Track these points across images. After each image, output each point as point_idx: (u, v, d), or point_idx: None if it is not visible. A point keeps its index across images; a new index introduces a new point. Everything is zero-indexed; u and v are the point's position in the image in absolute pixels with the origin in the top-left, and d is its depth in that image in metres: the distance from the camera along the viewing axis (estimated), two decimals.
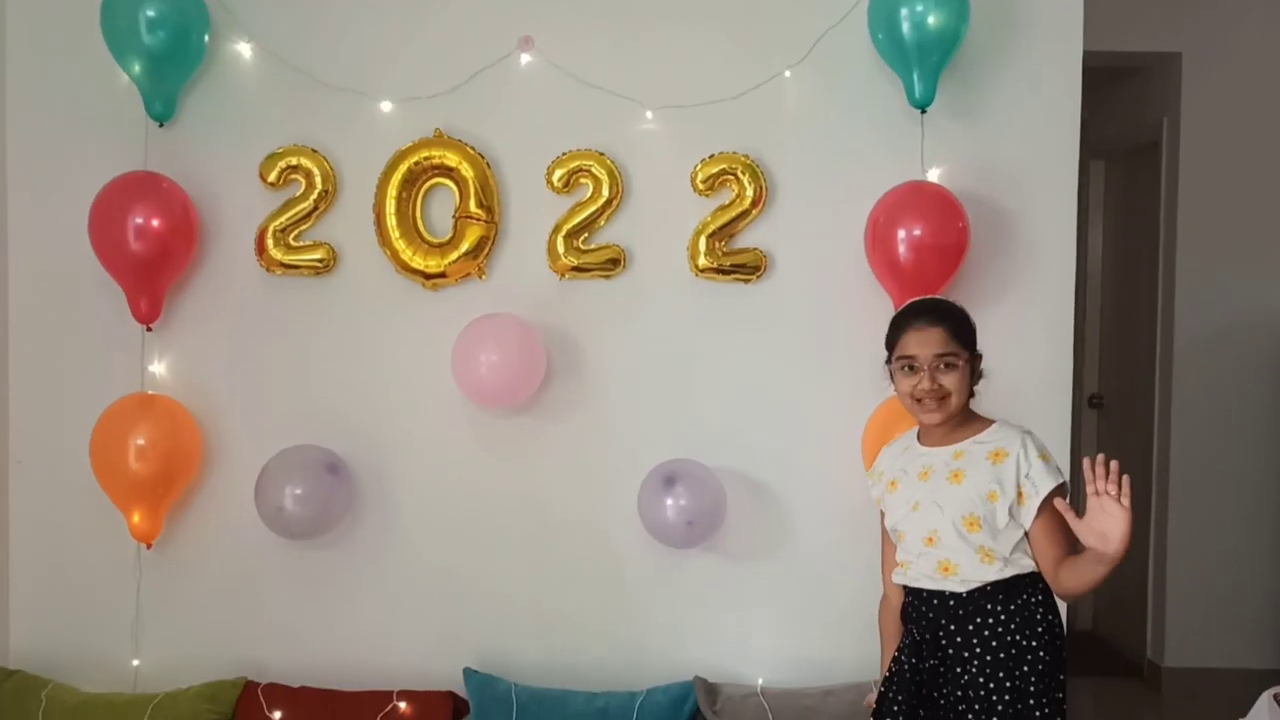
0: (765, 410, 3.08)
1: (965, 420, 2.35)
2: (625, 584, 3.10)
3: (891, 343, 2.39)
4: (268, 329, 3.09)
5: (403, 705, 2.95)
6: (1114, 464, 2.08)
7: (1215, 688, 4.59)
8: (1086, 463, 2.10)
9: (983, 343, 2.40)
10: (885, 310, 2.95)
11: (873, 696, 2.50)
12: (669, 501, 2.91)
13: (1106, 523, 2.07)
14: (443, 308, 3.04)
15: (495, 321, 2.96)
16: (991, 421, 2.36)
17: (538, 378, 2.99)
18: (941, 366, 2.31)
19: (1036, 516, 2.25)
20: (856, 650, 3.05)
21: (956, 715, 2.28)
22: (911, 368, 2.33)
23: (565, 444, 3.08)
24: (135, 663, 3.06)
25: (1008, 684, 2.24)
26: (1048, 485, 2.25)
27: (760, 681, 3.01)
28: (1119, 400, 5.36)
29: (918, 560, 2.34)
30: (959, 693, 2.28)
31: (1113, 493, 2.06)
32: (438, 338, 3.00)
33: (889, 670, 2.40)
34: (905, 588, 2.39)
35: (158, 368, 3.05)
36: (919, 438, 2.42)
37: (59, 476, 3.05)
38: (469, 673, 3.02)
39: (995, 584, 2.26)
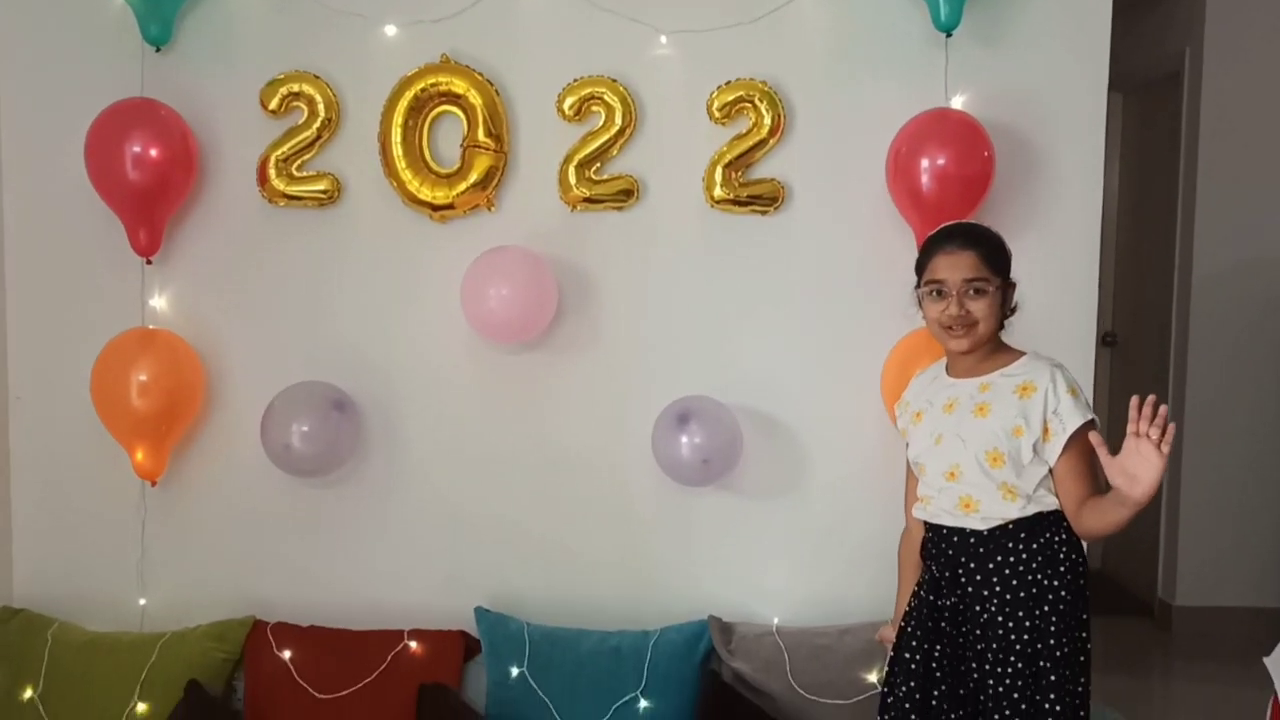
0: (782, 346, 3.01)
1: (994, 351, 2.28)
2: (639, 522, 3.05)
3: (921, 267, 2.31)
4: (271, 262, 3.00)
5: (414, 644, 2.91)
6: (1162, 409, 2.00)
7: (1225, 626, 4.60)
8: (1134, 401, 2.02)
9: None
10: (906, 243, 2.89)
11: (887, 631, 2.46)
12: (683, 439, 2.85)
13: (1139, 465, 2.01)
14: (451, 240, 2.96)
15: (505, 254, 2.88)
16: (1022, 354, 2.29)
17: (549, 312, 2.92)
18: (971, 292, 2.23)
19: (1062, 453, 2.19)
20: (873, 589, 3.01)
21: (975, 654, 2.24)
22: (940, 293, 2.25)
23: (577, 380, 3.02)
24: (141, 602, 3.02)
25: (1027, 623, 2.19)
26: (1075, 422, 2.18)
27: (776, 620, 2.97)
28: (1132, 339, 5.30)
29: (939, 495, 2.29)
30: (977, 631, 2.24)
31: (1154, 437, 1.99)
32: (446, 271, 2.93)
33: (908, 606, 2.35)
34: (925, 523, 2.34)
35: (158, 302, 2.97)
36: (947, 368, 2.36)
37: (60, 413, 2.99)
38: (480, 612, 2.98)
39: (1017, 522, 2.21)
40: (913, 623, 2.30)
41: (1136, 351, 5.25)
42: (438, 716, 2.78)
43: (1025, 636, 2.19)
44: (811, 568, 3.05)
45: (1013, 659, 2.19)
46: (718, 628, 2.93)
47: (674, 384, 2.96)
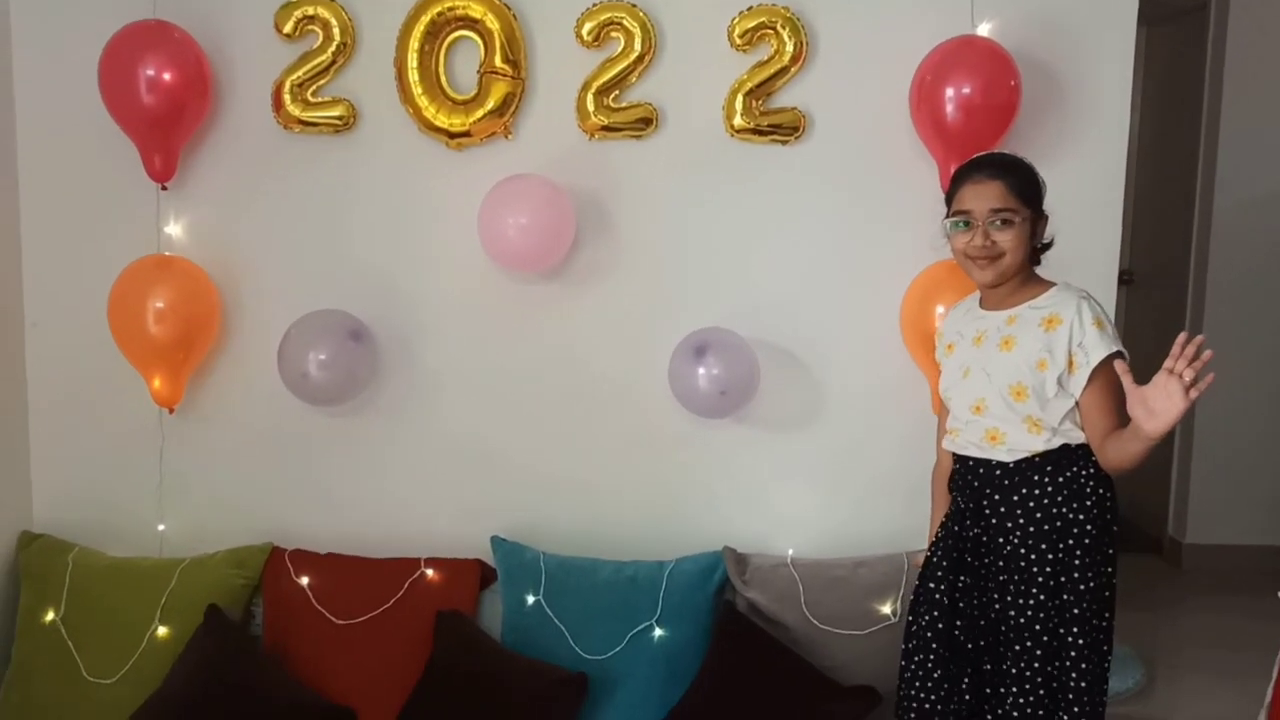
0: (801, 278, 2.99)
1: (1024, 283, 2.26)
2: (655, 454, 3.05)
3: (949, 197, 2.28)
4: (286, 189, 2.98)
5: (430, 572, 2.93)
6: (1206, 354, 1.97)
7: (1235, 564, 4.61)
8: (1181, 338, 1.98)
9: None
10: (930, 174, 2.85)
11: (919, 558, 2.47)
12: (701, 371, 2.84)
13: (1162, 402, 1.98)
14: (467, 168, 2.93)
15: (522, 183, 2.84)
16: (1051, 285, 2.26)
17: (566, 242, 2.89)
18: (997, 223, 2.20)
19: (1086, 386, 2.17)
20: (889, 522, 3.03)
21: (998, 585, 2.25)
22: (966, 223, 2.22)
23: (594, 311, 3.00)
24: (160, 528, 3.03)
25: (1050, 556, 2.19)
26: (1100, 354, 2.15)
27: (791, 552, 2.98)
28: (1149, 277, 5.25)
29: (965, 428, 2.28)
30: (1000, 562, 2.24)
31: (1187, 378, 1.96)
32: (462, 200, 2.90)
33: (935, 536, 2.35)
34: (954, 455, 2.34)
35: (174, 229, 2.95)
36: (980, 300, 2.33)
37: (77, 340, 2.98)
38: (496, 541, 2.99)
39: (1043, 455, 2.20)
40: (938, 553, 2.31)
41: (1153, 290, 5.20)
42: (454, 643, 2.81)
43: (1048, 569, 2.19)
44: (827, 500, 3.06)
45: (1034, 591, 2.19)
46: (733, 559, 2.95)
47: (692, 315, 2.94)
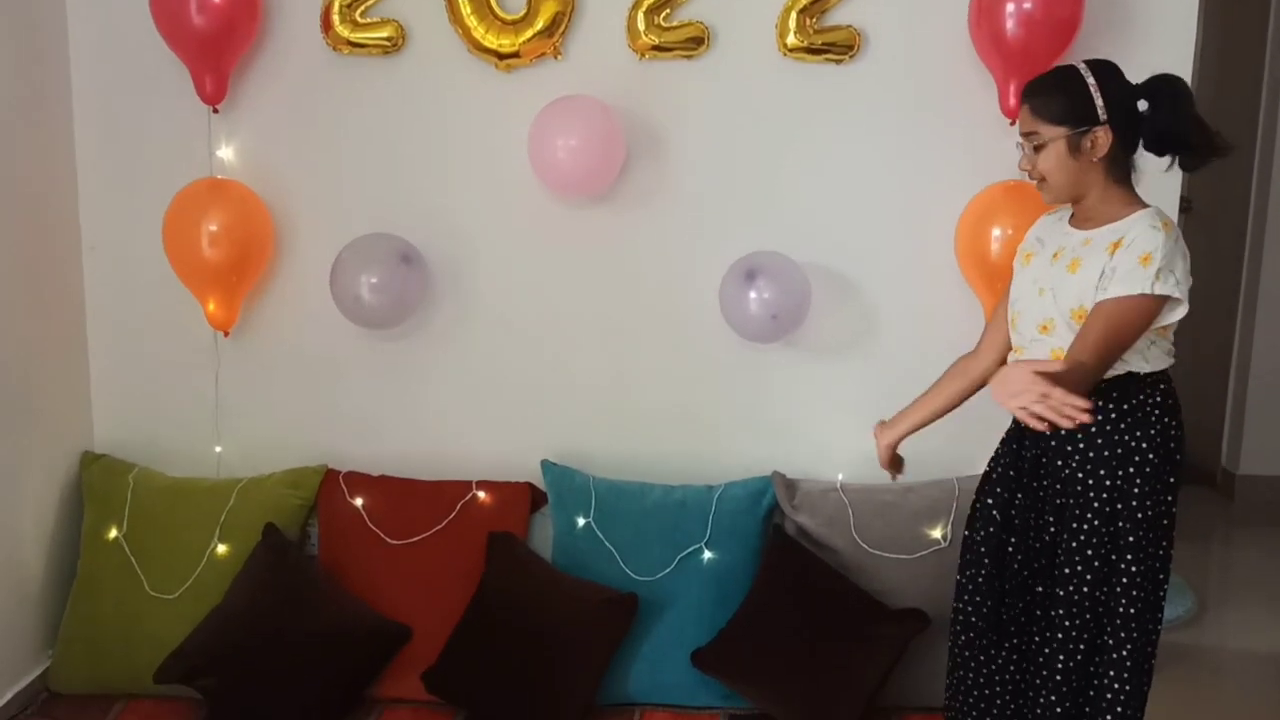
0: (854, 201, 2.94)
1: (1108, 203, 2.16)
2: (705, 379, 3.04)
3: None
4: (336, 112, 2.97)
5: (482, 495, 2.96)
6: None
7: None
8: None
9: None
10: (988, 93, 2.79)
11: (877, 429, 2.50)
12: (752, 295, 2.82)
13: (1009, 385, 1.91)
14: (517, 90, 2.90)
15: (572, 104, 2.82)
16: (1140, 209, 2.15)
17: (617, 164, 2.87)
18: (1030, 148, 2.16)
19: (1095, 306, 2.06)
20: (939, 448, 2.98)
21: (1053, 508, 2.23)
22: (1020, 146, 2.20)
23: (644, 235, 2.98)
24: (217, 449, 3.08)
25: (1107, 482, 2.16)
26: (1120, 288, 2.04)
27: (840, 477, 2.98)
28: (1210, 205, 5.14)
29: (1030, 346, 2.23)
30: (1057, 485, 2.22)
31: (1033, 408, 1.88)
32: (512, 122, 2.87)
33: (995, 452, 2.32)
34: None
35: (225, 152, 2.95)
36: (1071, 215, 2.26)
37: (133, 264, 3.01)
38: (547, 465, 3.02)
39: (1108, 381, 2.14)
40: (998, 469, 2.30)
41: (1213, 219, 5.09)
42: (506, 563, 2.85)
43: (1105, 495, 2.16)
44: None
45: (1090, 516, 2.17)
46: (782, 484, 2.95)
47: (742, 238, 2.91)
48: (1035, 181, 2.19)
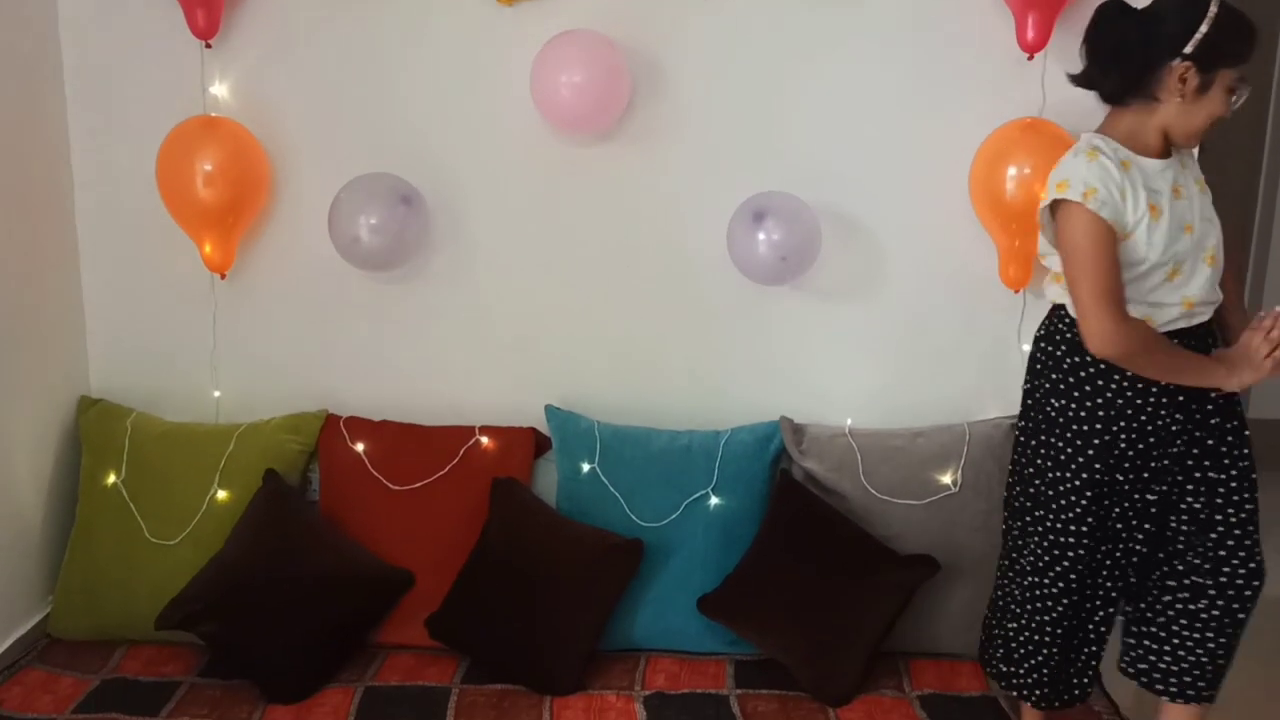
0: (866, 140, 2.87)
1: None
2: (711, 322, 2.99)
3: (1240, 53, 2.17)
4: (331, 49, 2.88)
5: (485, 440, 2.92)
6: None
7: None
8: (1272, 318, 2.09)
9: None
10: (1005, 26, 2.71)
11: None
12: (760, 236, 2.75)
13: (1240, 364, 2.14)
14: (518, 24, 2.81)
15: (576, 39, 2.73)
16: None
17: (622, 102, 2.79)
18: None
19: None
20: (950, 394, 2.97)
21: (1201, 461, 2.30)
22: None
23: (650, 174, 2.91)
24: (216, 394, 3.03)
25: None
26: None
27: (849, 422, 2.93)
28: (1222, 141, 5.04)
29: (1204, 289, 2.19)
30: (1197, 417, 2.27)
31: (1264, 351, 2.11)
32: (513, 58, 2.79)
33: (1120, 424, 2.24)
34: (1173, 334, 2.20)
35: (219, 89, 2.87)
36: (1132, 149, 2.17)
37: (126, 206, 2.94)
38: (551, 410, 2.97)
39: None
40: (1133, 438, 2.24)
41: (1227, 156, 5.01)
42: (510, 509, 2.82)
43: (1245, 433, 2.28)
44: (887, 371, 2.99)
45: (1247, 452, 2.29)
46: (789, 428, 2.91)
47: (751, 179, 2.84)
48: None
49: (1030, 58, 2.69)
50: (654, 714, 2.53)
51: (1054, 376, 2.27)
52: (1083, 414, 2.22)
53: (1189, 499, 2.29)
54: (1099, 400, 2.20)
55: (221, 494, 2.80)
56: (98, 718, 2.47)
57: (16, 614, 2.77)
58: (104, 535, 2.80)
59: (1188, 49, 2.08)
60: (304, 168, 2.92)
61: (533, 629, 2.65)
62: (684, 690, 2.63)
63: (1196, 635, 2.32)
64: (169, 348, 3.03)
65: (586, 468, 2.88)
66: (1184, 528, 2.30)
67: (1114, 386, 2.20)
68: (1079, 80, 2.22)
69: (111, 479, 2.83)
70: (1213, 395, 2.23)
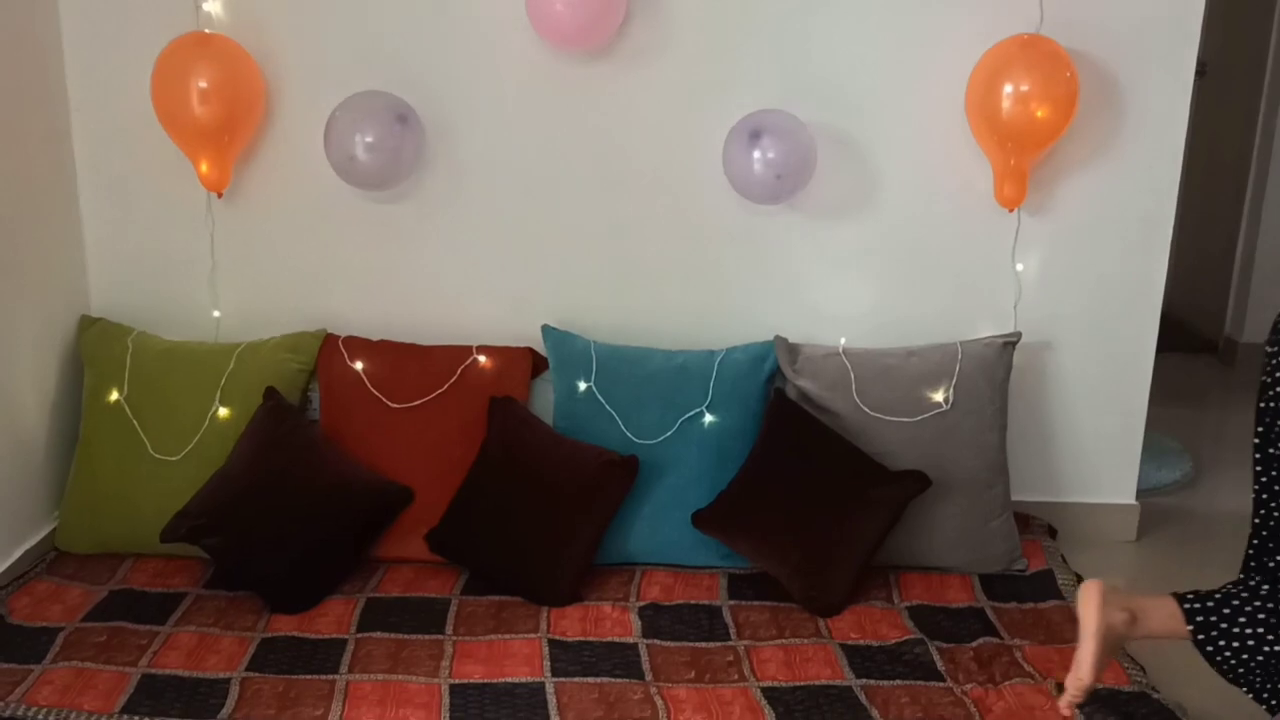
0: (861, 58, 2.87)
1: None
2: (707, 242, 3.00)
3: None
4: None
5: (482, 359, 2.95)
6: None
7: None
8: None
9: None
10: None
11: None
12: (756, 154, 2.76)
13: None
14: None
15: None
16: None
17: (616, 17, 2.78)
18: None
19: None
20: (943, 313, 3.00)
21: None
22: None
23: (645, 93, 2.90)
24: (216, 314, 3.06)
25: None
26: None
27: (843, 341, 2.96)
28: (1224, 68, 5.01)
29: None
30: None
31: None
32: None
33: None
34: None
35: (212, 6, 2.85)
36: None
37: (122, 125, 2.93)
38: (547, 329, 3.00)
39: None
40: None
41: (1228, 83, 4.97)
42: (507, 426, 2.86)
43: None
44: (881, 290, 3.02)
45: None
46: (784, 348, 2.94)
47: (746, 96, 2.85)
48: None
49: None
50: (648, 624, 2.59)
51: None
52: None
53: None
54: None
55: (223, 411, 2.84)
56: (107, 626, 2.52)
57: (24, 527, 2.82)
58: (108, 451, 2.84)
59: None
60: (299, 85, 2.92)
61: (530, 543, 2.70)
62: (678, 601, 2.69)
63: None
64: (168, 267, 3.04)
65: (583, 386, 2.92)
66: None
67: None
68: None
69: (114, 396, 2.87)
70: None
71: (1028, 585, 2.80)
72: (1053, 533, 3.09)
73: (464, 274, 3.05)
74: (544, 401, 3.00)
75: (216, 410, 2.84)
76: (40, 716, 2.21)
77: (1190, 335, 5.00)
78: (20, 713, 2.22)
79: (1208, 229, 4.90)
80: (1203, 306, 5.00)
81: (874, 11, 2.83)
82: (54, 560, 2.81)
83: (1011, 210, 2.89)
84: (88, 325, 2.99)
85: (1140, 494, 3.21)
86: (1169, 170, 2.92)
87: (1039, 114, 2.68)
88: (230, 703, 2.27)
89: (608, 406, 2.90)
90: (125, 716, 2.23)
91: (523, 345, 3.00)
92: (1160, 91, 2.88)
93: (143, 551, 2.80)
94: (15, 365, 2.78)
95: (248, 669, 2.39)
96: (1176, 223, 2.97)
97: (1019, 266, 2.98)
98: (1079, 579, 2.82)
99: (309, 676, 2.37)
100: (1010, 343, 2.90)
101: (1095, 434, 3.10)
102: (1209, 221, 4.90)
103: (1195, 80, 4.61)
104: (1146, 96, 2.88)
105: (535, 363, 3.01)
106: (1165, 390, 4.24)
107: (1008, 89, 2.67)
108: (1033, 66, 2.66)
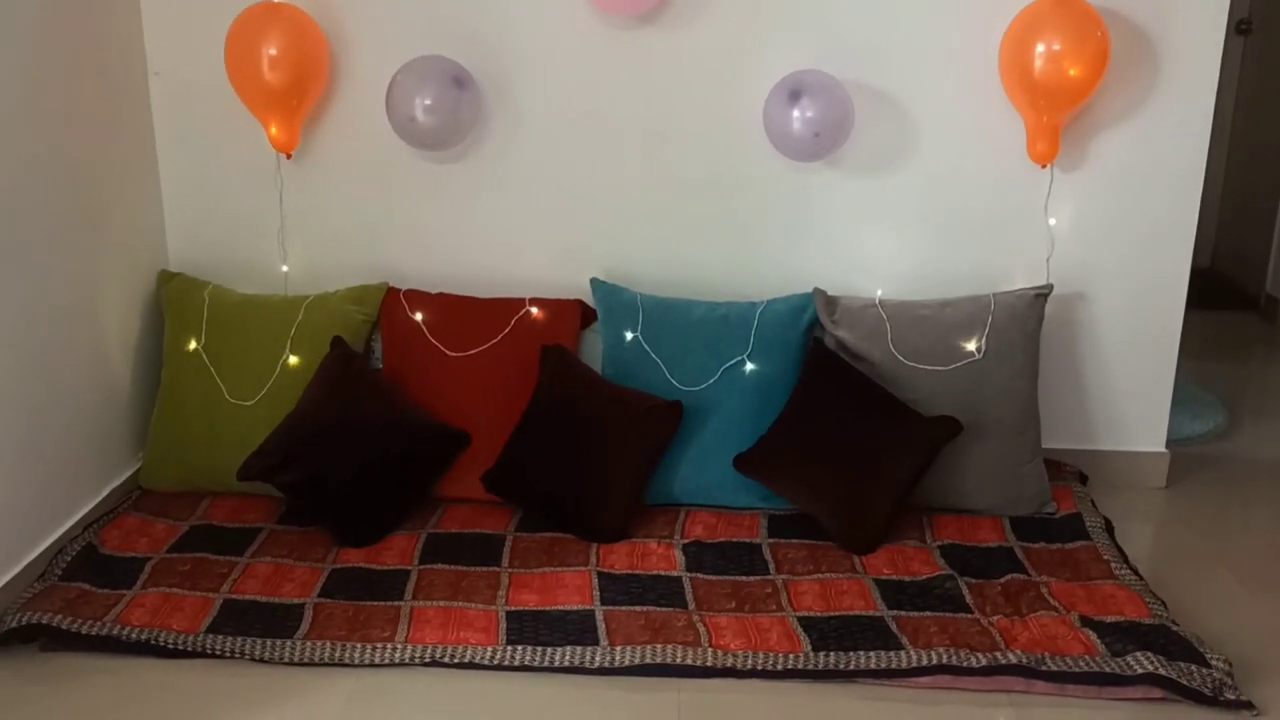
0: (897, 17, 2.96)
1: None
2: (748, 197, 3.12)
3: None
4: None
5: (534, 311, 3.10)
6: None
7: None
8: None
9: None
10: None
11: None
12: (795, 113, 2.88)
13: None
14: None
15: None
16: None
17: None
18: None
19: None
20: (977, 265, 3.10)
21: None
22: None
23: (690, 54, 3.02)
24: (284, 268, 3.24)
25: None
26: None
27: (879, 293, 3.08)
28: (1270, 26, 5.01)
29: None
30: None
31: None
32: None
33: None
34: None
35: None
36: None
37: (197, 89, 3.11)
38: (596, 282, 3.14)
39: None
40: None
41: (1273, 39, 4.97)
42: (559, 373, 3.01)
43: None
44: (917, 243, 3.12)
45: None
46: (822, 299, 3.06)
47: (786, 57, 2.96)
48: None
49: None
50: (692, 560, 2.74)
51: None
52: None
53: None
54: None
55: (293, 359, 3.02)
56: (190, 557, 2.72)
57: (112, 467, 3.03)
58: (188, 396, 3.04)
59: None
60: (362, 51, 3.07)
61: (581, 483, 2.85)
62: (720, 539, 2.83)
63: None
64: (240, 224, 3.22)
65: (630, 336, 3.06)
66: None
67: None
68: None
69: (193, 345, 3.06)
70: None
71: (1057, 527, 2.91)
72: (1083, 479, 3.19)
73: (517, 229, 3.20)
74: (593, 351, 3.15)
75: (287, 358, 3.02)
76: (134, 635, 2.41)
77: (1233, 292, 5.03)
78: (115, 631, 2.42)
79: (1252, 187, 4.92)
80: (1246, 264, 5.03)
81: None
82: (139, 497, 3.01)
83: (1044, 166, 2.98)
84: (167, 279, 3.18)
85: (1172, 444, 3.29)
86: (1200, 124, 2.98)
87: (1071, 72, 2.76)
88: (305, 624, 2.46)
89: (653, 355, 3.04)
90: (211, 635, 2.42)
91: (572, 297, 3.15)
92: (1192, 46, 2.93)
93: (220, 490, 3.00)
94: (102, 317, 2.98)
95: (320, 595, 2.58)
96: (1221, 181, 3.03)
97: (1051, 220, 3.08)
98: (1108, 522, 2.93)
99: (376, 603, 2.55)
100: (1042, 294, 2.99)
101: (1126, 383, 3.19)
102: (1253, 180, 4.91)
103: (1240, 38, 4.63)
104: (1178, 51, 2.94)
105: (585, 314, 3.16)
106: (1205, 345, 4.31)
107: (1040, 48, 2.75)
108: (1064, 26, 2.74)
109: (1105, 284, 3.12)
